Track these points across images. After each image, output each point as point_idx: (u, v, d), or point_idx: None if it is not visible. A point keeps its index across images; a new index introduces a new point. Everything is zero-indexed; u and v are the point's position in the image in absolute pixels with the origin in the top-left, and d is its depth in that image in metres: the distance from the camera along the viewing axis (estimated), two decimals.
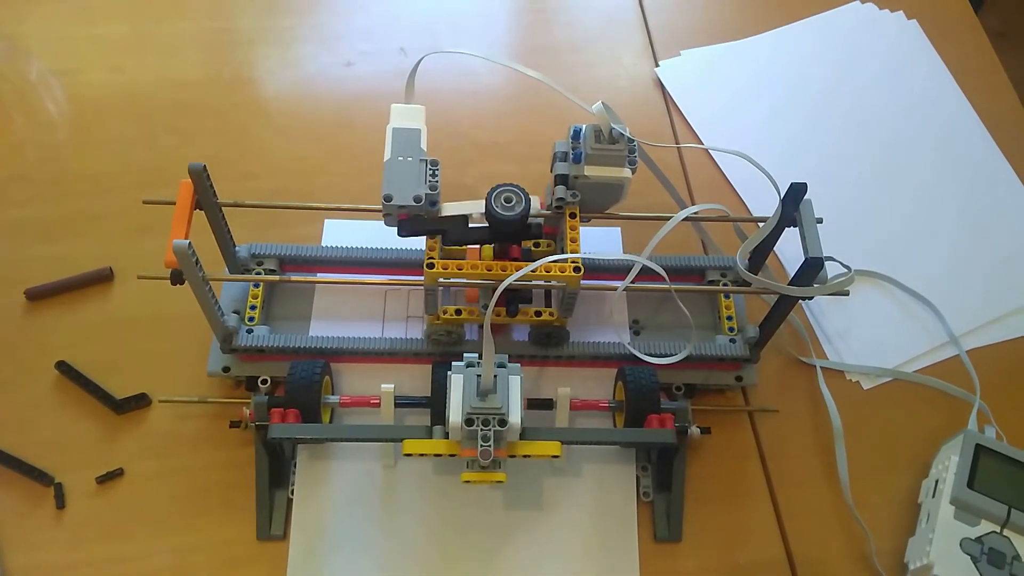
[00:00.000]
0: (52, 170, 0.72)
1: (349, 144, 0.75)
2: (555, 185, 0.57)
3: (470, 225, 0.56)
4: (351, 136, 0.76)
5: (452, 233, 0.55)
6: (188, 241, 0.49)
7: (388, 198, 0.53)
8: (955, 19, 0.89)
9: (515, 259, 0.56)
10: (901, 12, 0.88)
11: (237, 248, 0.62)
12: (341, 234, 0.68)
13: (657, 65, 0.83)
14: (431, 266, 0.53)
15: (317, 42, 0.82)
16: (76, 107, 0.76)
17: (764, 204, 0.72)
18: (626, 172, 0.56)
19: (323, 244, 0.69)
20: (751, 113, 0.80)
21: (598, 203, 0.58)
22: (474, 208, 0.55)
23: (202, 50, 0.81)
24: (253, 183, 0.72)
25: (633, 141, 0.55)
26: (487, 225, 0.55)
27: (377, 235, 0.64)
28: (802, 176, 0.56)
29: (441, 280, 0.54)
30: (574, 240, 0.55)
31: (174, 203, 0.53)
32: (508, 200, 0.53)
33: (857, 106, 0.81)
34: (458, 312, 0.58)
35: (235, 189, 0.60)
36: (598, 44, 0.85)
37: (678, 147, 0.78)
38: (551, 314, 0.59)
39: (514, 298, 0.59)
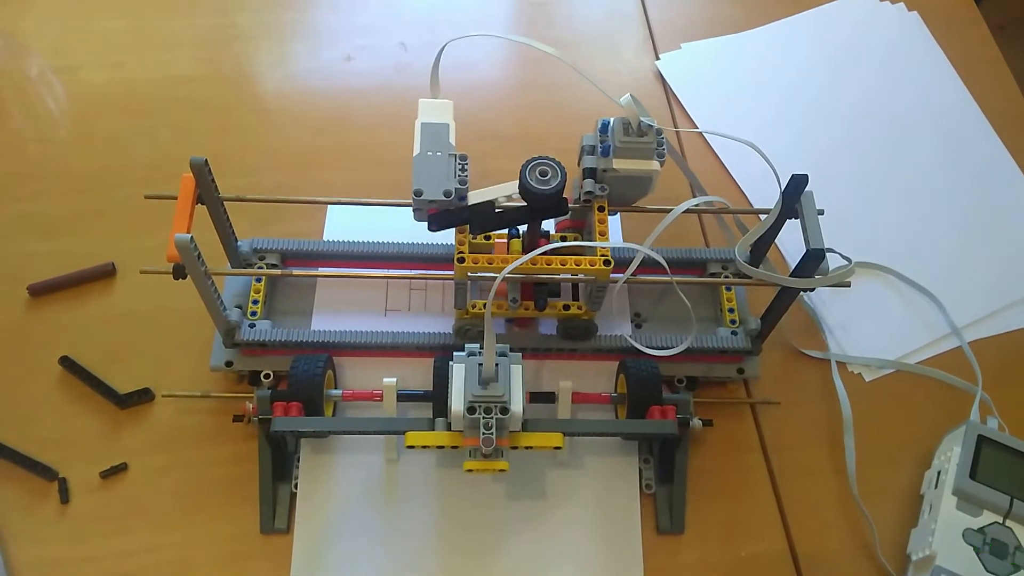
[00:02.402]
0: (53, 166, 0.72)
1: (349, 139, 0.75)
2: (583, 179, 0.56)
3: (496, 209, 0.55)
4: (351, 131, 0.76)
5: (480, 221, 0.55)
6: (190, 235, 0.49)
7: (418, 193, 0.53)
8: (956, 11, 0.89)
9: (553, 252, 0.55)
10: (902, 3, 0.88)
11: (239, 243, 0.62)
12: (345, 221, 0.69)
13: (658, 58, 0.83)
14: (461, 260, 0.53)
15: (316, 37, 0.82)
16: (76, 103, 0.76)
17: (765, 196, 0.72)
18: (655, 165, 0.55)
19: (325, 233, 0.69)
20: (752, 106, 0.80)
21: (626, 196, 0.58)
22: (499, 192, 0.55)
23: (201, 46, 0.80)
24: (253, 178, 0.72)
25: (661, 133, 0.55)
26: (516, 206, 0.55)
27: (380, 223, 0.65)
28: (803, 168, 0.56)
29: (470, 274, 0.54)
30: (603, 233, 0.55)
31: (176, 198, 0.53)
32: (543, 173, 0.53)
33: (858, 98, 0.81)
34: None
35: (235, 184, 0.60)
36: (598, 37, 0.84)
37: (677, 131, 0.78)
38: (579, 307, 0.59)
39: (543, 292, 0.59)
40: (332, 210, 0.70)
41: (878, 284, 0.71)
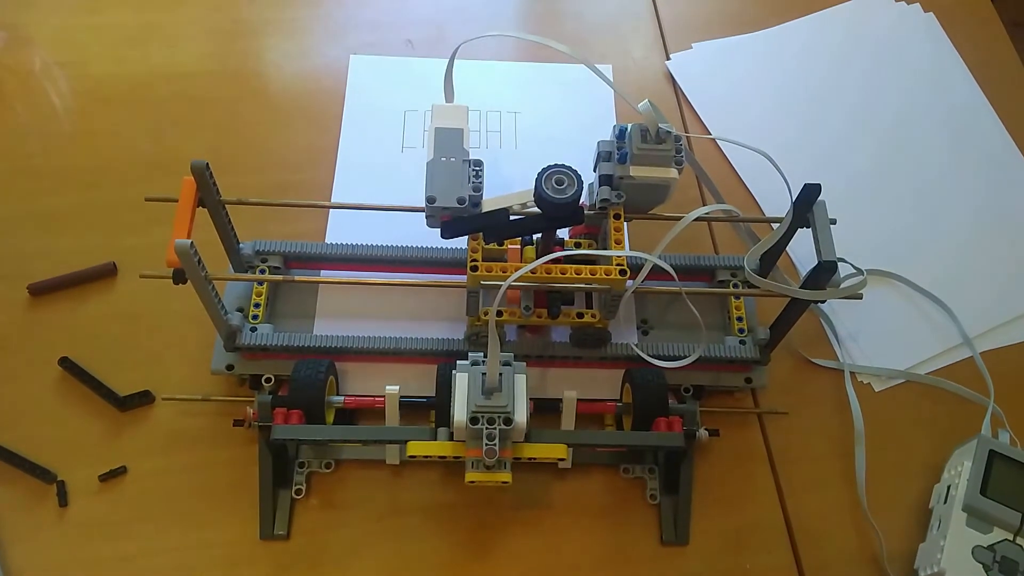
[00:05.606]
0: (55, 162, 0.71)
1: None
2: (599, 185, 0.55)
3: (511, 218, 0.54)
4: None
5: (494, 228, 0.54)
6: (190, 241, 0.48)
7: (431, 200, 0.52)
8: (972, 11, 0.87)
9: (557, 260, 0.55)
10: (917, 4, 0.86)
11: (241, 245, 0.61)
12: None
13: (668, 58, 0.81)
14: (475, 268, 0.52)
15: (323, 33, 0.81)
16: (80, 98, 0.75)
17: (776, 199, 0.71)
18: (673, 172, 0.54)
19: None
20: (763, 107, 0.79)
21: (642, 203, 0.57)
22: (515, 200, 0.53)
23: (206, 41, 0.79)
24: (257, 176, 0.71)
25: (680, 140, 0.54)
26: (529, 215, 0.54)
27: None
28: (815, 171, 0.55)
29: (483, 282, 0.54)
30: (619, 241, 0.54)
31: (176, 201, 0.52)
32: (559, 182, 0.52)
33: (871, 100, 0.80)
34: (499, 314, 0.58)
35: (239, 182, 0.59)
36: (608, 36, 0.83)
37: (688, 135, 0.76)
38: (593, 316, 0.58)
39: (556, 299, 0.58)
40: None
41: (888, 292, 0.70)
